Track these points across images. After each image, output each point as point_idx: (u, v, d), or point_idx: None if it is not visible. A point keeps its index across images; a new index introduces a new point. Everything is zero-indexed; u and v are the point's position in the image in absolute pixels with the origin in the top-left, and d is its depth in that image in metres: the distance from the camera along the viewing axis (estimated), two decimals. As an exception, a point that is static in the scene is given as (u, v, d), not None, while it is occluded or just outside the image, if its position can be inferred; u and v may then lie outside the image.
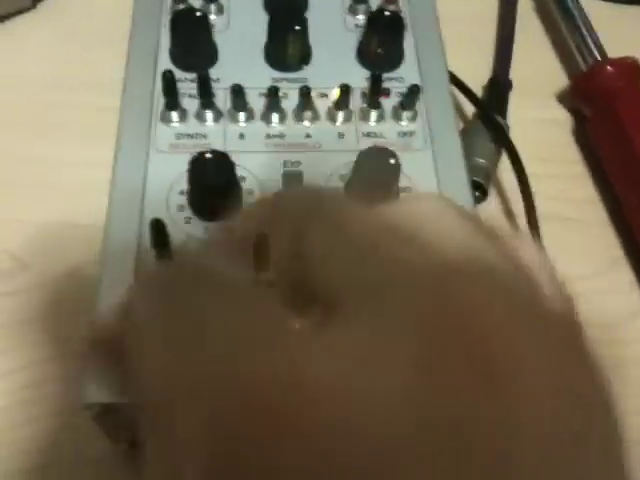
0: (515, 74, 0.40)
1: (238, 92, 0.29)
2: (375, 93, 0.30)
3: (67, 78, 0.38)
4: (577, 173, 0.38)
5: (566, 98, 0.41)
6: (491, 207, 0.35)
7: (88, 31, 0.40)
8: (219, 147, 0.29)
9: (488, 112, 0.36)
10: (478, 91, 0.39)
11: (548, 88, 0.41)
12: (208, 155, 0.26)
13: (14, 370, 0.30)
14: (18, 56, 0.39)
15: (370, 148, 0.27)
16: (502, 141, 0.35)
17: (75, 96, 0.37)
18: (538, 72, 0.42)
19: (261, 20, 0.33)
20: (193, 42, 0.31)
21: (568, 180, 0.38)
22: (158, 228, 0.25)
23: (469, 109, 0.38)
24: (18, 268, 0.32)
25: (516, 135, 0.36)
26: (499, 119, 0.37)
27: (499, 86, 0.39)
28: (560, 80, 0.42)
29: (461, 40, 0.36)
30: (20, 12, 0.40)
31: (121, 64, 0.33)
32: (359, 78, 0.32)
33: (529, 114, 0.39)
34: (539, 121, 0.39)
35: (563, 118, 0.40)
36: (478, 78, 0.40)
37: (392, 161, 0.27)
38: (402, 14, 0.31)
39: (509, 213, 0.36)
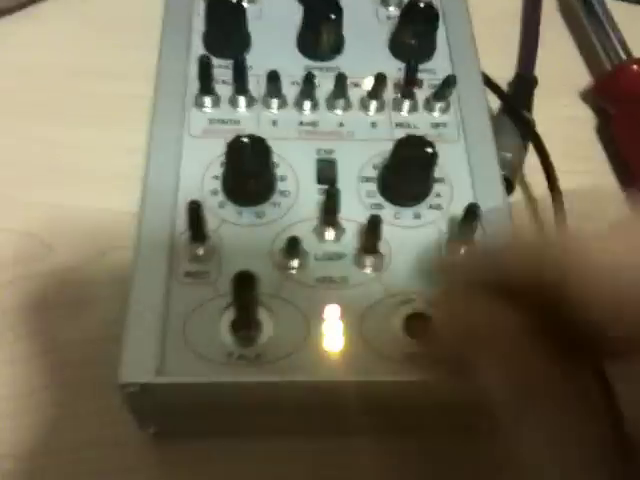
0: (540, 72, 0.40)
1: (273, 78, 0.29)
2: (409, 83, 0.30)
3: (97, 65, 0.38)
4: (601, 170, 0.38)
5: (590, 96, 0.41)
6: (517, 201, 0.35)
7: (116, 17, 0.40)
8: (252, 132, 0.29)
9: (515, 107, 0.36)
10: (503, 87, 0.39)
11: (572, 86, 0.41)
12: (245, 139, 0.26)
13: (39, 354, 0.30)
14: (45, 42, 0.39)
15: (407, 137, 0.27)
16: (529, 135, 0.36)
17: (106, 83, 0.37)
18: (563, 70, 0.42)
19: (294, 8, 0.33)
20: (228, 29, 0.31)
21: (592, 177, 0.38)
22: (194, 209, 0.25)
23: (494, 104, 0.38)
24: (46, 252, 0.32)
25: (540, 132, 0.37)
26: (526, 114, 0.37)
27: (525, 82, 0.39)
28: (584, 78, 0.42)
29: (486, 36, 0.36)
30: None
31: (151, 51, 0.34)
32: (391, 69, 0.32)
33: (553, 112, 0.39)
34: (563, 118, 0.39)
35: (587, 116, 0.40)
36: (503, 74, 0.40)
37: (429, 150, 0.27)
38: (435, 6, 0.31)
39: (535, 207, 0.36)
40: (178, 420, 0.26)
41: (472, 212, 0.25)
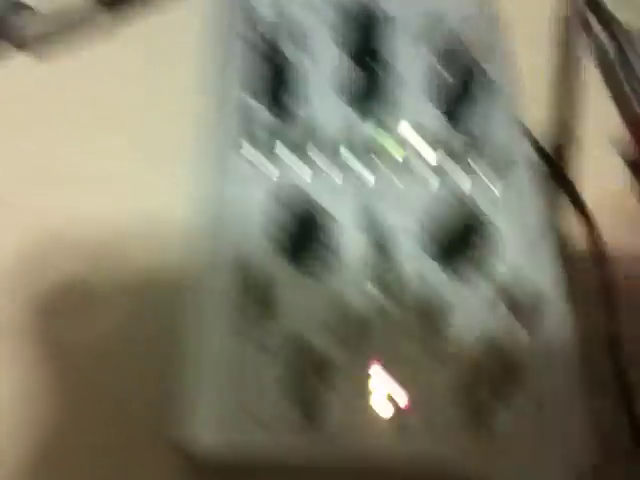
0: (574, 121, 0.41)
1: (316, 131, 0.29)
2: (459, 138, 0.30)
3: (144, 102, 0.38)
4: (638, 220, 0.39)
5: (625, 146, 0.41)
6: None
7: (164, 57, 0.41)
8: (297, 182, 0.30)
9: (556, 167, 0.37)
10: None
11: (606, 135, 0.42)
12: (306, 205, 0.27)
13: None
14: (97, 79, 0.40)
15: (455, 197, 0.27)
16: (570, 195, 0.36)
17: (152, 120, 0.38)
18: (596, 119, 0.42)
19: (333, 54, 0.34)
20: (274, 80, 0.31)
21: (628, 228, 0.38)
22: (258, 276, 0.25)
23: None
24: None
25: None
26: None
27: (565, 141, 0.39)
28: (619, 128, 0.42)
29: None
30: (99, 36, 0.41)
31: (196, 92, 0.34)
32: (432, 117, 0.32)
33: (589, 163, 0.39)
34: (599, 169, 0.40)
35: (622, 165, 0.41)
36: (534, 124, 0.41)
37: (471, 205, 0.27)
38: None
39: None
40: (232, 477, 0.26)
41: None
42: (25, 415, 0.30)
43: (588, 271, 0.35)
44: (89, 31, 0.41)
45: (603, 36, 0.45)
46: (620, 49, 0.43)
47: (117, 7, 0.41)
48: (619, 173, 0.40)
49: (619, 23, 0.43)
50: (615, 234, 0.36)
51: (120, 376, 0.31)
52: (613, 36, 0.43)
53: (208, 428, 0.23)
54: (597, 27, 0.45)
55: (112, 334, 0.31)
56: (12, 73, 0.39)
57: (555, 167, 0.37)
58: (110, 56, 0.41)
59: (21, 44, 0.38)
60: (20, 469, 0.28)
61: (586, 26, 0.45)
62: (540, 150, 0.37)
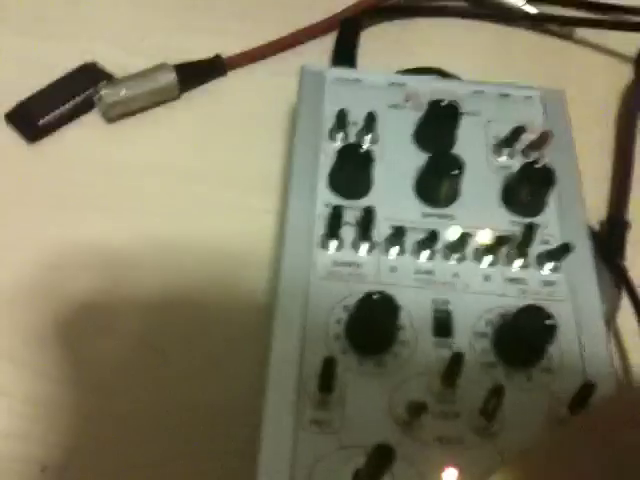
0: (631, 212, 0.42)
1: (399, 234, 0.31)
2: (527, 242, 0.31)
3: (210, 172, 0.40)
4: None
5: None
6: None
7: (230, 124, 0.43)
8: (372, 277, 0.31)
9: (610, 254, 0.38)
10: (593, 226, 0.40)
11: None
12: (375, 297, 0.28)
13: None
14: (163, 145, 0.42)
15: (528, 306, 0.29)
16: (624, 284, 0.37)
17: (218, 192, 0.39)
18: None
19: (412, 153, 0.35)
20: (356, 176, 0.33)
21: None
22: (329, 365, 0.27)
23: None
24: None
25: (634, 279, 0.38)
26: (619, 261, 0.38)
27: (617, 225, 0.40)
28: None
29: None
30: (166, 102, 0.43)
31: (266, 163, 0.36)
32: (504, 220, 0.34)
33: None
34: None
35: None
36: (591, 214, 0.41)
37: (549, 322, 0.28)
38: (551, 167, 0.33)
39: (628, 358, 0.37)
40: None
41: (587, 391, 0.27)
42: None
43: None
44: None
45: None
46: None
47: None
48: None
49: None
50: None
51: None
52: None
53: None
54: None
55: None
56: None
57: (608, 252, 0.38)
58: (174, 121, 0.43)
59: (108, 114, 0.41)
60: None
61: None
62: (593, 234, 0.38)
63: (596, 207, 0.42)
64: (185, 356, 0.34)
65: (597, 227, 0.41)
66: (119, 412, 0.32)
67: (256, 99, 0.43)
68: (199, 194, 0.39)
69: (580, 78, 0.48)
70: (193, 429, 0.32)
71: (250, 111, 0.43)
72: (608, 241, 0.39)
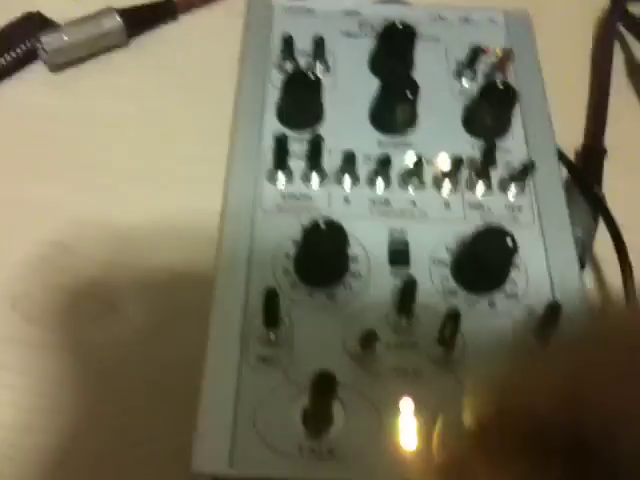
0: (607, 140, 0.40)
1: (350, 159, 0.29)
2: (487, 163, 0.29)
3: (168, 121, 0.38)
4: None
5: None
6: (587, 279, 0.34)
7: (181, 72, 0.40)
8: (324, 210, 0.29)
9: (586, 181, 0.36)
10: (570, 156, 0.38)
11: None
12: (323, 225, 0.26)
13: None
14: (111, 94, 0.39)
15: (486, 227, 0.27)
16: (600, 211, 0.35)
17: (176, 141, 0.37)
18: (630, 139, 0.41)
19: (367, 80, 0.33)
20: (304, 105, 0.31)
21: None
22: (271, 298, 0.25)
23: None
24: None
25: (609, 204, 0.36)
26: (596, 188, 0.36)
27: (594, 154, 0.38)
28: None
29: (551, 101, 0.35)
30: (113, 48, 0.41)
31: (216, 109, 0.34)
32: (465, 145, 0.31)
33: (621, 183, 0.38)
34: (632, 190, 0.38)
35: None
36: (569, 143, 0.40)
37: (510, 243, 0.26)
38: (513, 86, 0.31)
39: (605, 285, 0.35)
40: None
41: (554, 313, 0.25)
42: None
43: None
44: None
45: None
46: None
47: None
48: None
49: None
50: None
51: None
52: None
53: (215, 457, 0.23)
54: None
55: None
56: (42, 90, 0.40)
57: (583, 179, 0.36)
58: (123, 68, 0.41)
59: (52, 62, 0.39)
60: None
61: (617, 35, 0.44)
62: (568, 163, 0.36)
63: (575, 139, 0.40)
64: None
65: (573, 158, 0.39)
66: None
67: (209, 44, 0.41)
68: (150, 144, 0.37)
69: (555, 3, 0.46)
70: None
71: (203, 56, 0.41)
72: (583, 169, 0.37)
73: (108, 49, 0.40)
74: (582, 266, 0.34)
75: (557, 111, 0.36)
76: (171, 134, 0.38)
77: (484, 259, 0.26)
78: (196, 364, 0.26)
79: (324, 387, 0.22)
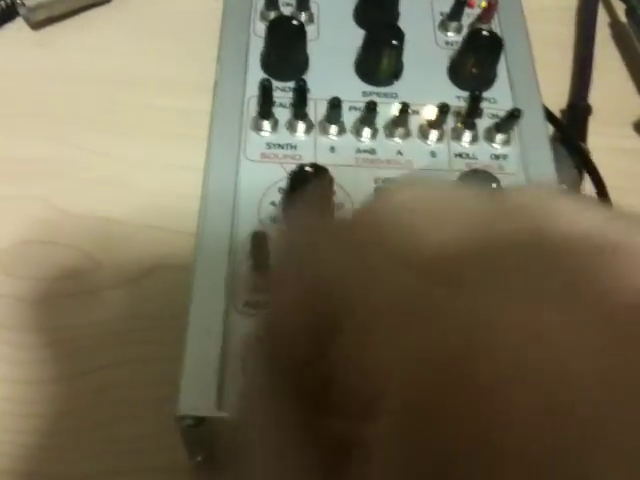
0: (592, 101, 0.40)
1: (335, 106, 0.29)
2: (473, 113, 0.29)
3: (152, 76, 0.37)
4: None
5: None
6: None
7: (165, 27, 0.40)
8: (310, 158, 0.29)
9: (571, 137, 0.36)
10: (556, 114, 0.38)
11: (626, 116, 0.40)
12: (309, 169, 0.26)
13: (85, 372, 0.30)
14: (94, 51, 0.39)
15: (471, 171, 0.26)
16: (585, 166, 0.35)
17: (161, 95, 0.37)
18: (616, 100, 0.41)
19: (351, 31, 0.33)
20: (288, 52, 0.30)
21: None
22: (260, 241, 0.25)
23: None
24: (94, 267, 0.32)
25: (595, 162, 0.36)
26: (581, 144, 0.36)
27: (580, 111, 0.38)
28: (638, 108, 0.41)
29: (537, 61, 0.35)
30: (95, 5, 0.40)
31: (210, 64, 0.34)
32: (450, 96, 0.31)
33: (606, 142, 0.38)
34: (616, 149, 0.39)
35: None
36: (555, 101, 0.40)
37: (494, 186, 0.26)
38: (499, 35, 0.31)
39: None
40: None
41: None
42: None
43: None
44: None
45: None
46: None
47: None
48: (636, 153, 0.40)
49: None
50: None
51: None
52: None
53: (202, 400, 0.23)
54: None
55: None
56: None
57: (569, 135, 0.36)
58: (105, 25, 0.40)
59: (32, 19, 0.38)
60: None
61: None
62: (553, 119, 0.36)
63: (560, 98, 0.40)
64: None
65: (559, 115, 0.39)
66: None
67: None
68: (134, 100, 0.37)
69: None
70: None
71: (186, 10, 0.40)
72: (568, 124, 0.37)
73: (90, 6, 0.39)
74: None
75: (542, 70, 0.36)
76: (155, 89, 0.37)
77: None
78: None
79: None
